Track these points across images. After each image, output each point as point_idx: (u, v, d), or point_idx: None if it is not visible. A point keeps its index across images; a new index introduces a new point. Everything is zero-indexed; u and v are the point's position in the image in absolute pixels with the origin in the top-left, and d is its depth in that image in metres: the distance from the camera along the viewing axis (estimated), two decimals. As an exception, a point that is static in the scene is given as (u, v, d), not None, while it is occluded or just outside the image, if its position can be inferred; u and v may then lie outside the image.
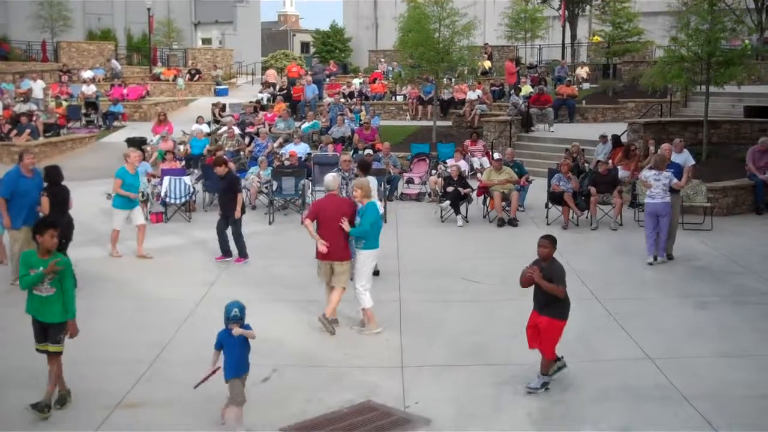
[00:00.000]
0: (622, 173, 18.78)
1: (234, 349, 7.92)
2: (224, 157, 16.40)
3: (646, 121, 23.24)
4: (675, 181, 14.22)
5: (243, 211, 14.52)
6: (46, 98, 32.63)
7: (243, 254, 14.48)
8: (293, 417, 8.26)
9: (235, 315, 7.88)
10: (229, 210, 14.26)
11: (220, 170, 14.52)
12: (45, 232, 8.28)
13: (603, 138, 21.45)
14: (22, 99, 30.30)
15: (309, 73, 38.00)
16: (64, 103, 31.63)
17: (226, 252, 14.52)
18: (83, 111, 31.54)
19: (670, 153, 15.60)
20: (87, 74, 37.82)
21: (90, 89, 33.91)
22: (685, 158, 17.49)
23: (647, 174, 14.21)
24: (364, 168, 13.58)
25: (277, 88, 35.04)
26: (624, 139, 21.55)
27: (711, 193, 17.45)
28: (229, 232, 14.44)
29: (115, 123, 31.16)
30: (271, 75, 40.22)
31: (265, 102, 32.83)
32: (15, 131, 26.11)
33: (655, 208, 13.97)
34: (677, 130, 21.82)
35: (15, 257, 12.58)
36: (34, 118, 27.18)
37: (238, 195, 14.36)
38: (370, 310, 10.79)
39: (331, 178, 11.35)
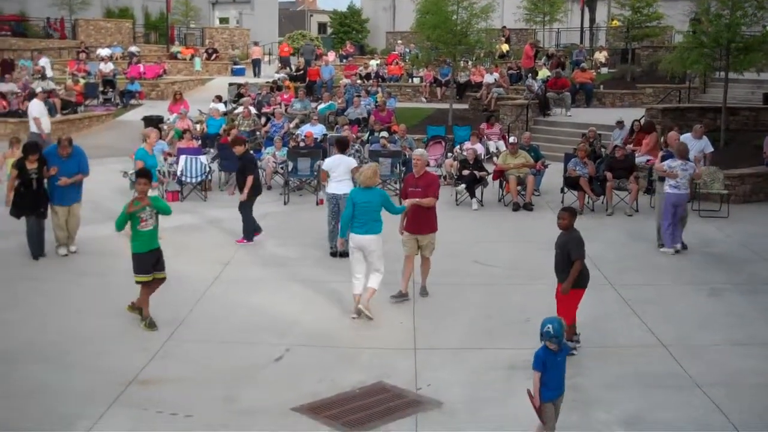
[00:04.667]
0: (641, 158, 18.75)
1: (557, 370, 7.17)
2: (242, 137, 16.38)
3: (664, 107, 23.09)
4: (697, 171, 14.08)
5: (254, 194, 14.33)
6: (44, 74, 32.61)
7: (248, 237, 14.39)
8: (305, 397, 8.31)
9: (548, 331, 7.04)
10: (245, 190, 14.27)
11: (238, 150, 14.53)
12: (138, 180, 10.28)
13: (619, 124, 21.34)
14: (39, 76, 30.39)
15: (299, 53, 39.32)
16: (82, 81, 31.68)
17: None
18: (100, 89, 31.61)
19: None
20: (104, 52, 37.89)
21: (107, 67, 33.96)
22: (703, 145, 17.41)
23: (673, 164, 13.81)
24: (340, 146, 13.73)
25: (294, 68, 35.11)
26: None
27: (728, 180, 17.34)
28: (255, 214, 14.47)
29: (132, 101, 31.21)
30: (257, 51, 41.52)
31: (280, 82, 32.84)
32: (32, 108, 26.19)
33: (680, 199, 13.77)
34: (695, 116, 21.67)
35: (57, 228, 13.39)
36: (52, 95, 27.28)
37: (249, 177, 14.16)
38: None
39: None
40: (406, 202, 11.21)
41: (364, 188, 10.80)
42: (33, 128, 21.34)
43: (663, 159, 14.39)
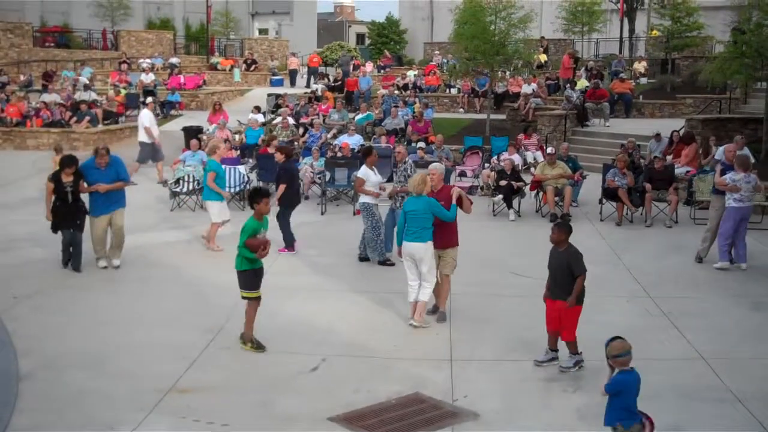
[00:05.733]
0: (681, 169, 18.58)
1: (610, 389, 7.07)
2: (288, 147, 16.63)
3: (705, 118, 22.85)
4: (758, 182, 13.86)
5: (288, 204, 14.42)
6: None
7: (289, 246, 14.46)
8: (341, 407, 8.32)
9: (609, 351, 7.05)
10: (280, 199, 14.40)
11: (278, 157, 14.75)
12: (261, 200, 9.83)
13: (657, 136, 21.13)
14: (82, 87, 30.86)
15: (337, 64, 40.23)
16: (123, 92, 32.13)
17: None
18: (141, 99, 32.01)
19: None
20: (145, 63, 38.41)
21: (148, 78, 34.41)
22: (744, 156, 17.20)
23: (736, 177, 13.40)
24: (365, 155, 13.92)
25: (331, 79, 35.36)
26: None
27: (769, 192, 17.11)
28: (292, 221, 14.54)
29: (172, 112, 31.56)
30: (294, 62, 42.64)
31: (319, 93, 33.08)
32: (75, 118, 26.65)
33: (746, 213, 13.53)
34: (736, 127, 21.40)
35: (95, 240, 13.24)
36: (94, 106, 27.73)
37: (280, 186, 14.30)
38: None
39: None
40: (453, 192, 11.10)
41: (414, 197, 10.79)
42: (141, 137, 21.64)
43: (723, 172, 14.09)
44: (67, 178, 12.84)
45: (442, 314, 11.14)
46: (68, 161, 12.98)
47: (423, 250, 10.64)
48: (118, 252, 13.43)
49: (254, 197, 9.98)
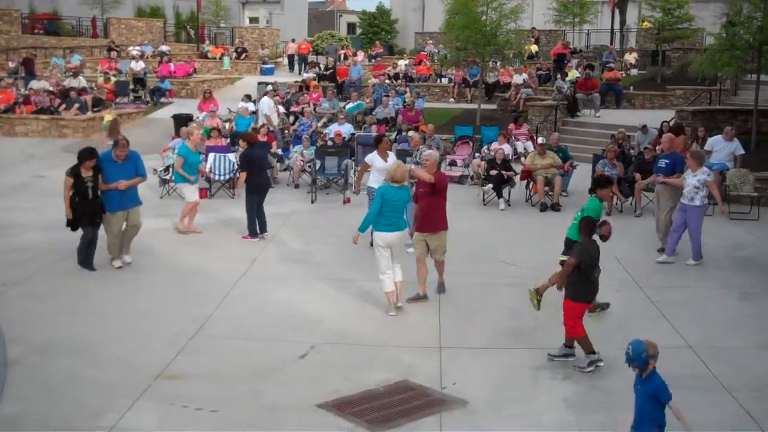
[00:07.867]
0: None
1: (636, 397, 6.87)
2: (250, 133, 16.66)
3: (695, 109, 22.88)
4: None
5: (254, 191, 14.39)
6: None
7: (251, 233, 14.51)
8: (330, 394, 8.33)
9: (627, 353, 6.74)
10: (247, 186, 14.43)
11: (241, 144, 15.09)
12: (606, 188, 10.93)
13: (644, 128, 21.11)
14: (71, 74, 30.70)
15: (325, 52, 41.70)
16: (113, 79, 31.99)
17: (261, 229, 14.63)
18: (131, 87, 31.91)
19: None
20: (135, 50, 38.26)
21: (138, 66, 34.24)
22: (734, 147, 17.27)
23: (709, 172, 13.30)
24: (377, 142, 14.01)
25: (323, 68, 35.30)
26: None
27: (759, 182, 17.17)
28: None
29: (162, 99, 31.44)
30: (292, 48, 43.26)
31: (299, 81, 33.09)
32: (64, 105, 26.50)
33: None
34: (726, 119, 21.44)
35: (111, 239, 12.52)
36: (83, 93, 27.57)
37: (242, 174, 14.43)
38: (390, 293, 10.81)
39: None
40: (415, 172, 11.34)
41: (396, 186, 10.69)
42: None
43: (671, 168, 13.96)
44: (86, 173, 11.97)
45: (441, 285, 11.49)
46: (88, 154, 12.03)
47: (403, 238, 10.91)
48: (128, 247, 12.82)
49: (601, 184, 10.89)
